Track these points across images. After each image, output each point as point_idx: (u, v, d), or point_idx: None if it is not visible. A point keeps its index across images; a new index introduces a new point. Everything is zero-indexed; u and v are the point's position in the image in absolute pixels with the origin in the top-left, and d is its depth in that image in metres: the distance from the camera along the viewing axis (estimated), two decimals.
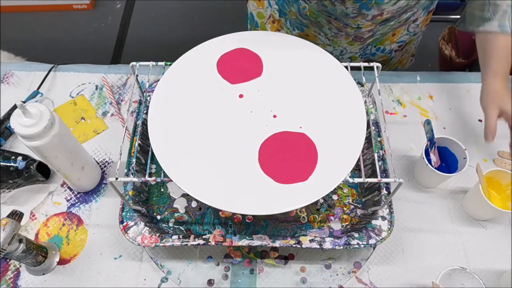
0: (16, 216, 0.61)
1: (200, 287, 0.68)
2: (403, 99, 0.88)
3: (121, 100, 0.89)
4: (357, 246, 0.64)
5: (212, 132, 0.61)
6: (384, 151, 0.72)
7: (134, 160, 0.70)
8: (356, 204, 0.74)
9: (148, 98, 0.75)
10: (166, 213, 0.74)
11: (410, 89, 0.90)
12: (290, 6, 0.85)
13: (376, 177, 0.61)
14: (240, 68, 0.68)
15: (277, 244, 0.64)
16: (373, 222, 0.66)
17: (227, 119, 0.63)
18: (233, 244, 0.64)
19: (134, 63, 0.69)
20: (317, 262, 0.70)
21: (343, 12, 0.75)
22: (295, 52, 0.69)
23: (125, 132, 0.66)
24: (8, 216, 0.61)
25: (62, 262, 0.71)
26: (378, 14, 0.73)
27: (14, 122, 0.58)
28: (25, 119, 0.58)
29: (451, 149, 0.75)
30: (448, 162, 0.76)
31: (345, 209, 0.73)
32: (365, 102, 0.76)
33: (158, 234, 0.66)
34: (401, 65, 1.01)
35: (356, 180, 0.60)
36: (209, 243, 0.64)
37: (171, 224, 0.72)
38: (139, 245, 0.65)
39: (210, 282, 0.68)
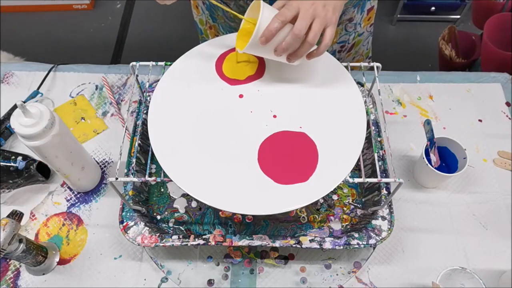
0: (16, 216, 0.61)
1: (200, 287, 0.68)
2: (403, 99, 0.88)
3: (121, 100, 0.89)
4: (357, 246, 0.64)
5: (212, 132, 0.61)
6: (384, 151, 0.72)
7: (134, 160, 0.70)
8: (356, 204, 0.74)
9: (148, 98, 0.75)
10: (166, 213, 0.74)
11: (410, 89, 0.90)
12: (216, 10, 0.84)
13: (376, 177, 0.61)
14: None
15: (277, 244, 0.64)
16: (373, 222, 0.66)
17: (227, 119, 0.63)
18: (233, 244, 0.64)
19: (134, 63, 0.69)
20: (317, 262, 0.70)
21: None
22: None
23: (125, 132, 0.66)
24: (8, 216, 0.61)
25: (62, 262, 0.71)
26: None
27: (14, 122, 0.59)
28: (25, 119, 0.58)
29: (451, 149, 0.75)
30: (448, 162, 0.76)
31: (345, 209, 0.73)
32: (365, 102, 0.76)
33: (158, 234, 0.66)
34: (356, 68, 0.99)
35: (356, 180, 0.60)
36: (209, 243, 0.64)
37: (171, 224, 0.72)
38: (139, 245, 0.65)
39: (210, 282, 0.68)
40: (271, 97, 0.65)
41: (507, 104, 0.87)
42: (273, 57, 0.60)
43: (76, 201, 0.77)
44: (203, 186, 0.57)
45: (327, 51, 0.83)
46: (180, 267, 0.70)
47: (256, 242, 0.64)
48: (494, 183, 0.78)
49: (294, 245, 0.64)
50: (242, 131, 0.61)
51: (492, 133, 0.83)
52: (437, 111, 0.87)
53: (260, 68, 0.67)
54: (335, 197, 0.74)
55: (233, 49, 0.69)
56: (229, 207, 0.56)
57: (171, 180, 0.58)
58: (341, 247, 0.64)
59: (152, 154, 0.61)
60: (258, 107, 0.64)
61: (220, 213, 0.72)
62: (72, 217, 0.76)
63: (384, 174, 0.71)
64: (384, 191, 0.69)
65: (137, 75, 0.70)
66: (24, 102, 0.78)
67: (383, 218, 0.66)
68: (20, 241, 0.63)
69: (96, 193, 0.78)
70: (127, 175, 0.70)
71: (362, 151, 0.68)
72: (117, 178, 0.59)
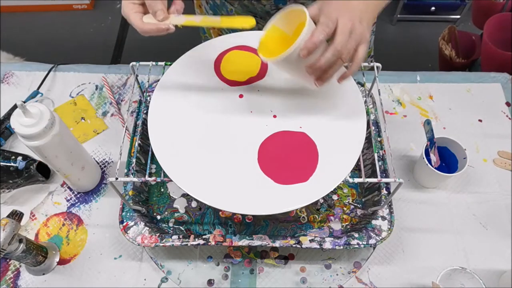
0: (16, 216, 0.61)
1: (200, 287, 0.68)
2: (403, 99, 0.88)
3: (121, 100, 0.89)
4: (357, 246, 0.64)
5: (212, 132, 0.61)
6: (384, 151, 0.72)
7: (134, 160, 0.70)
8: (356, 204, 0.74)
9: (148, 98, 0.75)
10: (166, 213, 0.74)
11: (410, 89, 0.90)
12: (220, 10, 0.85)
13: (376, 177, 0.61)
14: None
15: (277, 244, 0.64)
16: (373, 222, 0.66)
17: (227, 119, 0.63)
18: (233, 244, 0.64)
19: (134, 63, 0.69)
20: (317, 262, 0.70)
21: (263, 10, 0.72)
22: None
23: (125, 132, 0.66)
24: (8, 216, 0.61)
25: (62, 262, 0.71)
26: None
27: (15, 122, 0.59)
28: (25, 119, 0.58)
29: (451, 149, 0.75)
30: (448, 162, 0.76)
31: (345, 209, 0.73)
32: (365, 102, 0.76)
33: (158, 234, 0.66)
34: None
35: (356, 180, 0.60)
36: (209, 243, 0.64)
37: (171, 224, 0.72)
38: (139, 245, 0.65)
39: (210, 282, 0.68)
40: (271, 97, 0.65)
41: (507, 104, 0.87)
42: (300, 75, 0.54)
43: (76, 201, 0.77)
44: (203, 186, 0.57)
45: None
46: (180, 267, 0.70)
47: (256, 242, 0.64)
48: (494, 183, 0.78)
49: (294, 245, 0.64)
50: (242, 131, 0.61)
51: (492, 133, 0.83)
52: (437, 111, 0.87)
53: (262, 70, 0.67)
54: (335, 197, 0.74)
55: (232, 49, 0.69)
56: (229, 207, 0.56)
57: (171, 180, 0.58)
58: (341, 247, 0.64)
59: (152, 154, 0.61)
60: (258, 107, 0.63)
61: (220, 213, 0.72)
62: (72, 217, 0.76)
63: (384, 174, 0.71)
64: (384, 191, 0.69)
65: (137, 75, 0.70)
66: (24, 102, 0.78)
67: (383, 218, 0.66)
68: (20, 241, 0.63)
69: (96, 193, 0.78)
70: (127, 175, 0.70)
71: (362, 151, 0.68)
72: (117, 178, 0.59)
